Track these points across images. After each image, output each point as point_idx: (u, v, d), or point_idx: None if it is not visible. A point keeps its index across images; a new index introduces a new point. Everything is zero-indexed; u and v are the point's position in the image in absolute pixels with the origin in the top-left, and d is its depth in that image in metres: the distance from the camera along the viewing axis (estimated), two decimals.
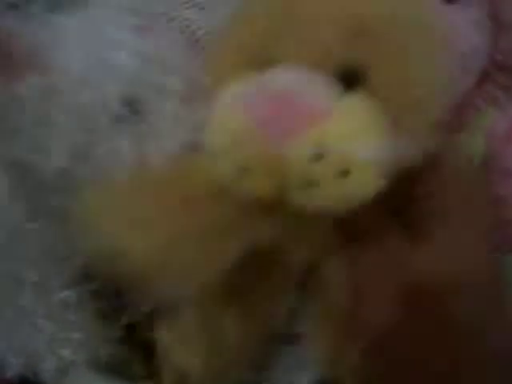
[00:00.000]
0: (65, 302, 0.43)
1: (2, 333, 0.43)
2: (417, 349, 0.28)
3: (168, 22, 0.84)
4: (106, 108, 0.36)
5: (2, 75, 0.35)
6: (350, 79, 0.27)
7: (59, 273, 0.43)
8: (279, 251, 0.33)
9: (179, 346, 0.38)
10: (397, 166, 0.28)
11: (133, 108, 0.37)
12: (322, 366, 0.35)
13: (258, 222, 0.31)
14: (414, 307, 0.28)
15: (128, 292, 0.41)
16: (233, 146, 0.27)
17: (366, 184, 0.26)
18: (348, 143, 0.26)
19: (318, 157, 0.25)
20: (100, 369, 0.44)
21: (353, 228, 0.30)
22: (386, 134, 0.27)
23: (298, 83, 0.27)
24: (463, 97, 0.44)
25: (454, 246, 0.29)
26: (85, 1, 0.44)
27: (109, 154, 0.37)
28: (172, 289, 0.32)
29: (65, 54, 0.36)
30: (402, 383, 0.29)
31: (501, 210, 0.48)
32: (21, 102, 0.35)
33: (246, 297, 0.36)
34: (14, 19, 0.36)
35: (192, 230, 0.32)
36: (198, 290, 0.33)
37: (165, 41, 0.42)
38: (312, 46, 0.28)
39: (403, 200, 0.31)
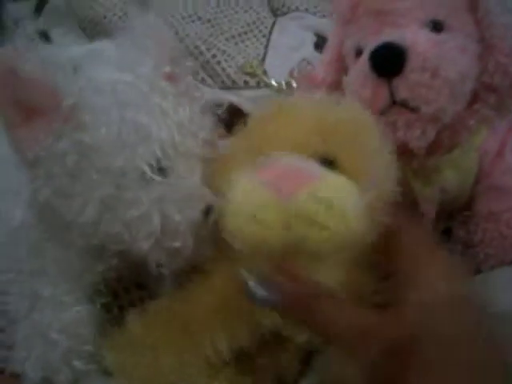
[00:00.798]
0: (77, 316, 0.46)
1: (20, 346, 0.46)
2: None
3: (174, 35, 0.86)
4: (135, 170, 0.39)
5: (39, 127, 0.37)
6: (328, 165, 0.36)
7: (72, 289, 0.46)
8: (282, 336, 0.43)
9: None
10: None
11: (161, 171, 0.40)
12: None
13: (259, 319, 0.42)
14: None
15: None
16: (258, 208, 0.34)
17: (359, 224, 0.33)
18: (337, 193, 0.33)
19: (316, 201, 0.32)
20: (110, 378, 0.46)
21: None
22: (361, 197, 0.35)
23: (296, 159, 0.36)
24: (455, 118, 0.45)
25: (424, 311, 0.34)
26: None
27: (134, 213, 0.39)
28: None
29: (102, 114, 0.39)
30: None
31: (494, 225, 0.50)
32: (61, 155, 0.37)
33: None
34: (54, 70, 0.38)
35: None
36: None
37: (196, 105, 0.44)
38: (299, 145, 0.37)
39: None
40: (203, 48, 0.83)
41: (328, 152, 0.37)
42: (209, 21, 0.93)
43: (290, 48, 0.89)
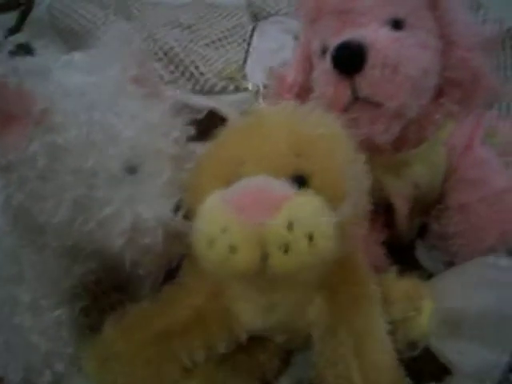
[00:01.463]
0: (57, 320, 0.46)
1: (1, 350, 0.46)
2: None
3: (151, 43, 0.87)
4: (106, 170, 0.40)
5: (14, 133, 0.38)
6: (300, 182, 0.37)
7: (50, 294, 0.46)
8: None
9: None
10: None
11: (131, 170, 0.41)
12: None
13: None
14: None
15: None
16: (221, 231, 0.33)
17: (327, 245, 0.34)
18: (310, 215, 0.34)
19: (290, 226, 0.33)
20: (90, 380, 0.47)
21: None
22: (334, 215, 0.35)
23: (265, 181, 0.35)
24: (420, 113, 0.46)
25: None
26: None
27: (106, 212, 0.39)
28: None
29: (72, 116, 0.39)
30: None
31: (466, 216, 0.51)
32: (33, 158, 0.38)
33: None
34: (25, 77, 0.38)
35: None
36: None
37: (165, 105, 0.45)
38: (271, 161, 0.38)
39: None
40: (183, 54, 0.85)
41: (301, 169, 0.38)
42: (189, 27, 0.94)
43: (270, 52, 0.91)
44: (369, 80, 0.42)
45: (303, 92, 0.51)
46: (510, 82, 0.73)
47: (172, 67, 0.84)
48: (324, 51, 0.47)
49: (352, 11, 0.45)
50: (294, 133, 0.39)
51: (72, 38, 0.92)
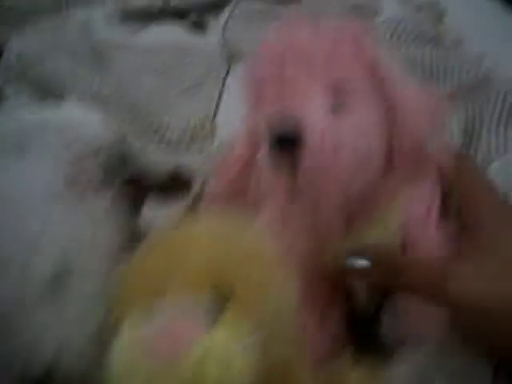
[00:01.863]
0: None
1: None
2: None
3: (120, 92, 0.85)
4: (28, 286, 0.38)
5: None
6: (224, 295, 0.36)
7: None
8: None
9: None
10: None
11: (56, 286, 0.39)
12: None
13: None
14: None
15: None
16: (130, 374, 0.32)
17: (243, 377, 0.33)
18: (222, 352, 0.32)
19: (203, 360, 0.31)
20: None
21: None
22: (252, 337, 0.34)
23: (179, 315, 0.34)
24: (371, 188, 0.44)
25: None
26: None
27: (29, 334, 0.38)
28: None
29: None
30: None
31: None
32: None
33: None
34: None
35: None
36: None
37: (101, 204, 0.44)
38: (192, 276, 0.36)
39: None
40: (151, 105, 0.83)
41: (224, 288, 0.36)
42: (161, 73, 0.92)
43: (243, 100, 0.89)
44: (307, 165, 0.40)
45: (248, 170, 0.49)
46: (480, 136, 0.71)
47: (140, 118, 0.82)
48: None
49: (293, 83, 0.43)
50: (217, 248, 0.38)
51: (41, 87, 0.90)
